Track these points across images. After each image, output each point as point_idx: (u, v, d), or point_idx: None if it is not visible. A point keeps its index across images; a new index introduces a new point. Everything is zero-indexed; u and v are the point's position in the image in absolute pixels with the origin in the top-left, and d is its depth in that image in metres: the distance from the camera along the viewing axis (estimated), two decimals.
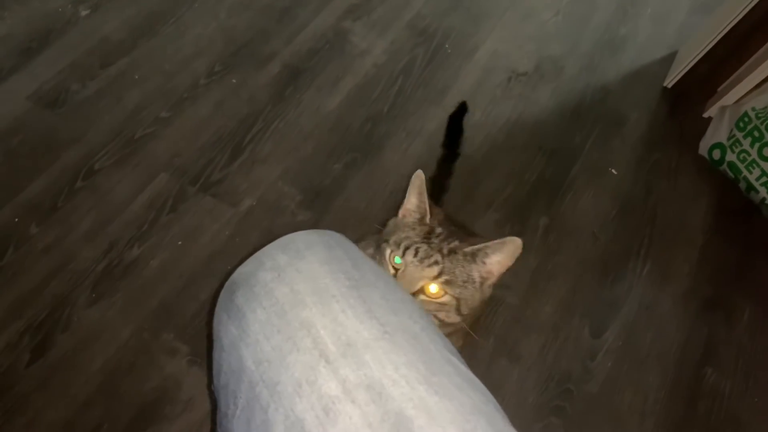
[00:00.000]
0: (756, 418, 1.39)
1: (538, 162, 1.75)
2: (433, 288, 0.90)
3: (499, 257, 0.90)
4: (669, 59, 2.01)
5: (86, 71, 1.75)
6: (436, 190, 1.40)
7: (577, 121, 1.85)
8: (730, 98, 1.76)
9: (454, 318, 0.94)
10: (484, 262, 0.91)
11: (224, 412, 0.65)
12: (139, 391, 1.27)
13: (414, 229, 0.94)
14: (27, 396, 1.25)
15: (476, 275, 0.92)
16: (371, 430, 0.51)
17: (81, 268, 1.42)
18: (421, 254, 0.90)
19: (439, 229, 0.94)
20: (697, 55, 1.83)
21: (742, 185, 1.69)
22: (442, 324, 0.95)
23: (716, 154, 1.73)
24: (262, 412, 0.56)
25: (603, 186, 1.73)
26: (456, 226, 0.98)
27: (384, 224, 1.05)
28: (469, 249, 0.91)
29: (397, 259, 0.92)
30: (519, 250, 0.88)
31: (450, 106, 1.82)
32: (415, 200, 0.96)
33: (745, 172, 1.65)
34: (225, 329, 0.66)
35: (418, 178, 0.94)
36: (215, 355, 0.68)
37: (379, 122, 1.76)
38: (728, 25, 1.71)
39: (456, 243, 0.92)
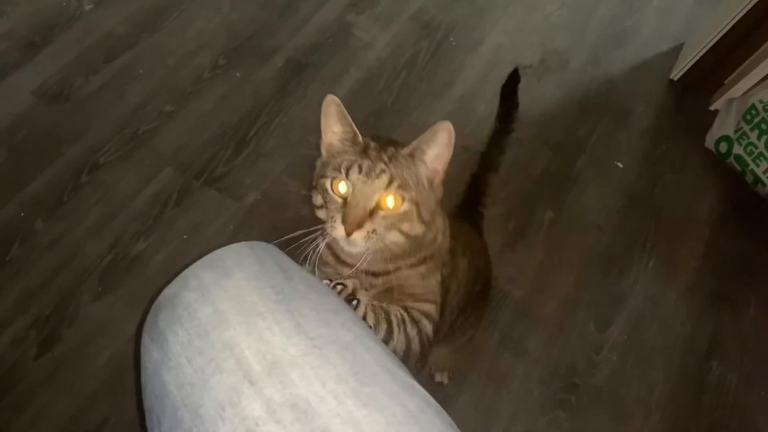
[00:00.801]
0: (762, 411, 1.39)
1: (543, 155, 1.74)
2: (390, 200, 0.85)
3: (435, 149, 0.87)
4: (675, 52, 1.99)
5: (90, 66, 1.75)
6: (484, 169, 1.34)
7: (583, 114, 1.84)
8: (737, 90, 1.75)
9: (418, 228, 0.88)
10: (423, 161, 0.88)
11: None
12: None
13: (347, 151, 0.88)
14: (33, 390, 1.25)
15: (423, 176, 0.88)
16: None
17: (86, 262, 1.42)
18: (365, 168, 0.85)
19: (372, 144, 0.88)
20: (704, 47, 1.81)
21: (749, 178, 1.68)
22: (409, 240, 0.89)
23: (723, 147, 1.72)
24: None
25: (608, 179, 1.72)
26: (385, 139, 0.94)
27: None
28: (405, 150, 0.87)
29: (342, 187, 0.86)
30: (452, 135, 0.84)
31: (454, 99, 1.81)
32: (338, 127, 0.90)
33: (752, 165, 1.64)
34: (148, 353, 0.65)
35: (333, 104, 0.88)
36: (141, 378, 0.67)
37: (383, 116, 1.75)
38: (735, 16, 1.70)
39: (392, 149, 0.88)
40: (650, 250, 1.60)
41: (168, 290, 0.68)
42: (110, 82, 1.73)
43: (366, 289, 0.92)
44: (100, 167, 1.56)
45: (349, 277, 0.90)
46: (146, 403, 0.64)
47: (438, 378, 1.36)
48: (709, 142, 1.76)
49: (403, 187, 0.85)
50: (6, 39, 1.78)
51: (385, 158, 0.86)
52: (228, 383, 0.55)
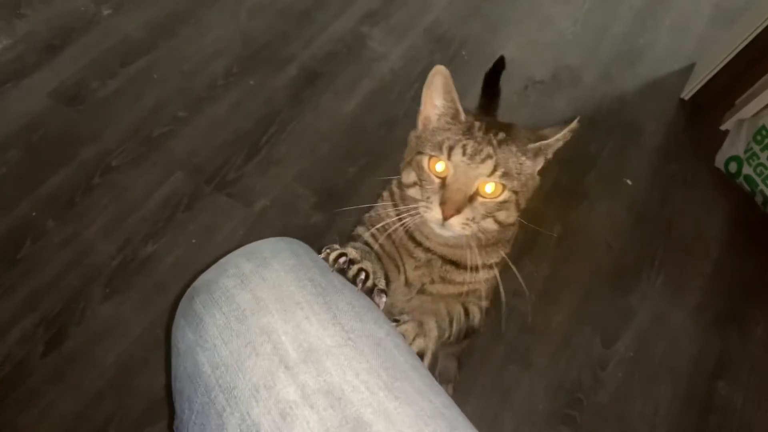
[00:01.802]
0: None
1: (552, 170, 1.73)
2: (490, 187, 0.80)
3: (560, 144, 0.83)
4: (687, 71, 2.00)
5: (107, 69, 1.77)
6: None
7: (593, 130, 1.85)
8: (747, 111, 1.75)
9: (513, 215, 0.84)
10: (547, 156, 0.85)
11: (180, 418, 0.65)
12: (151, 385, 1.28)
13: (449, 129, 0.83)
14: (40, 387, 1.26)
15: (530, 165, 0.83)
16: None
17: (96, 263, 1.43)
18: (470, 150, 0.79)
19: (477, 123, 0.83)
20: (716, 67, 1.82)
21: (759, 199, 1.67)
22: (501, 228, 0.85)
23: (733, 167, 1.72)
24: (217, 416, 0.56)
25: (618, 196, 1.72)
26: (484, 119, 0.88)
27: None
28: (532, 146, 0.82)
29: (440, 166, 0.81)
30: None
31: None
32: (440, 101, 0.84)
33: (762, 186, 1.64)
34: (182, 334, 0.66)
35: (440, 75, 0.83)
36: (172, 360, 0.68)
37: (395, 127, 1.76)
38: (747, 38, 1.70)
39: (502, 135, 0.82)
40: (658, 267, 1.60)
41: (205, 276, 0.70)
42: (126, 86, 1.75)
43: (432, 282, 0.91)
44: (112, 169, 1.58)
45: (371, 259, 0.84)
46: (177, 385, 0.66)
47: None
48: (719, 161, 1.77)
49: (507, 175, 0.80)
50: (25, 41, 1.81)
51: (494, 142, 0.81)
52: (264, 366, 0.56)
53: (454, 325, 0.87)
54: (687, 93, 1.92)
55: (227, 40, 1.89)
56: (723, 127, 1.85)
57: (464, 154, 0.79)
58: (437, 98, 0.84)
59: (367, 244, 0.92)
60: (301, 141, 1.70)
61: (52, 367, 1.29)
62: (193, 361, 0.62)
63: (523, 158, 0.82)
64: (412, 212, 0.83)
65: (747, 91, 1.80)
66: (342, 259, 0.74)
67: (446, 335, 0.84)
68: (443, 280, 0.91)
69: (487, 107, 1.40)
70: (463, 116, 0.83)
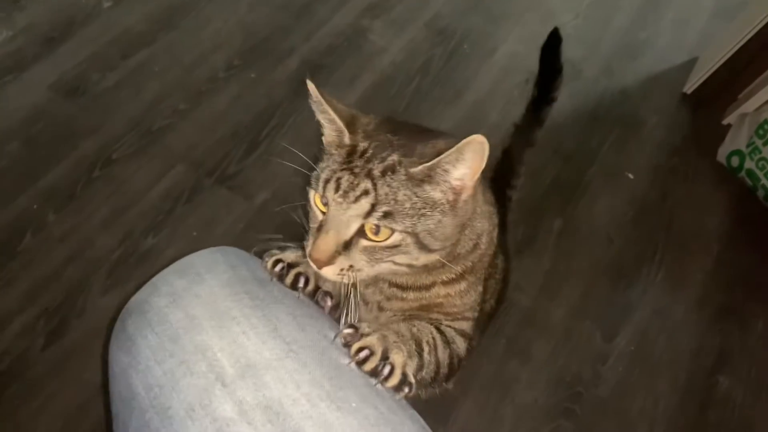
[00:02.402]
0: None
1: (553, 164, 1.74)
2: (374, 228, 0.65)
3: (463, 169, 0.65)
4: (689, 65, 1.99)
5: (107, 62, 1.77)
6: (517, 143, 1.14)
7: (595, 124, 1.84)
8: (750, 105, 1.74)
9: (423, 258, 0.68)
10: (444, 181, 0.66)
11: None
12: None
13: (332, 155, 0.69)
14: (41, 379, 1.26)
15: (439, 196, 0.66)
16: None
17: (97, 255, 1.43)
18: (344, 185, 0.65)
19: (363, 144, 0.68)
20: (718, 61, 1.81)
21: (761, 193, 1.67)
22: (413, 268, 0.70)
23: (735, 161, 1.71)
24: None
25: (619, 190, 1.72)
26: (396, 131, 0.71)
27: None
28: (417, 169, 0.65)
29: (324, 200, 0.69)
30: (485, 150, 0.63)
31: (466, 106, 1.82)
32: (324, 121, 0.72)
33: (764, 180, 1.63)
34: (115, 357, 0.64)
35: (310, 87, 0.71)
36: (109, 384, 0.66)
37: None
38: (750, 32, 1.70)
39: (394, 157, 0.66)
40: (659, 262, 1.60)
41: (137, 297, 0.68)
42: (126, 79, 1.75)
43: (387, 299, 0.79)
44: (113, 162, 1.58)
45: (301, 263, 0.72)
46: (113, 408, 0.64)
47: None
48: (721, 156, 1.76)
49: (392, 215, 0.64)
50: (25, 33, 1.80)
51: (376, 172, 0.65)
52: (199, 385, 0.55)
53: (426, 348, 0.72)
54: (689, 87, 1.91)
55: (227, 33, 1.89)
56: (725, 122, 1.84)
57: (337, 189, 0.65)
58: (321, 119, 0.72)
59: None
60: (301, 135, 1.69)
61: (53, 360, 1.29)
62: (126, 383, 0.60)
63: (430, 188, 0.66)
64: None
65: (749, 86, 1.79)
66: (279, 266, 0.68)
67: (428, 362, 0.72)
68: (396, 297, 0.79)
69: (548, 87, 1.22)
70: (347, 138, 0.69)
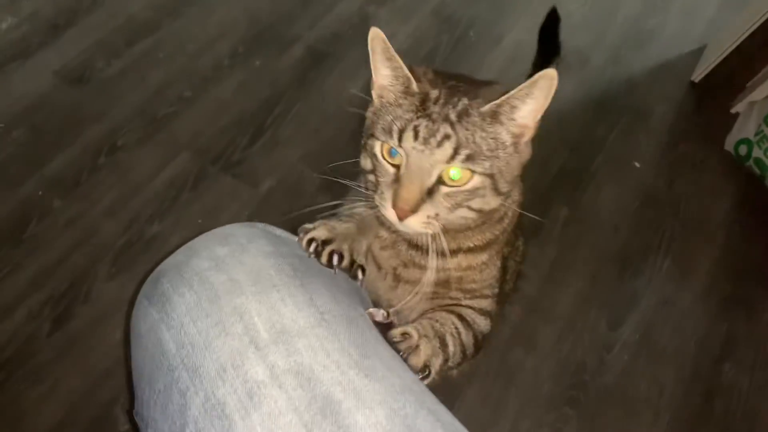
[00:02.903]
0: None
1: (560, 153, 1.73)
2: (455, 173, 0.67)
3: (531, 105, 0.67)
4: (697, 53, 1.97)
5: (112, 49, 1.77)
6: None
7: (601, 113, 1.83)
8: (758, 94, 1.73)
9: (494, 201, 0.70)
10: (511, 119, 0.68)
11: (140, 399, 0.64)
12: None
13: (401, 105, 0.69)
14: (47, 365, 1.27)
15: (506, 136, 0.68)
16: (297, 414, 0.51)
17: (102, 242, 1.43)
18: (423, 132, 0.66)
19: (434, 93, 0.69)
20: (726, 49, 1.79)
21: None
22: (480, 216, 0.72)
23: (742, 150, 1.70)
24: (179, 396, 0.56)
25: (625, 179, 1.71)
26: (453, 80, 0.72)
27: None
28: (486, 108, 0.67)
29: (394, 152, 0.68)
30: (555, 84, 0.65)
31: None
32: (386, 70, 0.70)
33: None
34: (144, 314, 0.65)
35: (376, 39, 0.69)
36: (132, 343, 0.66)
37: None
38: (759, 20, 1.68)
39: (465, 101, 0.68)
40: (666, 250, 1.59)
41: (172, 259, 0.69)
42: (131, 66, 1.75)
43: (404, 265, 0.80)
44: (118, 149, 1.58)
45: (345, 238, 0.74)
46: (137, 367, 0.65)
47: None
48: (729, 144, 1.75)
49: (473, 157, 0.66)
50: (30, 21, 1.80)
51: (452, 116, 0.66)
52: (233, 346, 0.56)
53: (450, 340, 0.75)
54: (697, 76, 1.90)
55: (232, 21, 1.88)
56: (733, 110, 1.83)
57: (416, 137, 0.66)
58: (382, 67, 0.71)
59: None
60: (306, 122, 1.69)
61: (59, 346, 1.30)
62: (156, 339, 0.61)
63: (500, 129, 0.68)
64: (373, 201, 0.72)
65: (758, 74, 1.77)
66: (313, 245, 0.69)
67: (452, 354, 0.74)
68: (414, 264, 0.80)
69: (544, 67, 1.24)
70: (415, 86, 0.69)
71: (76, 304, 1.34)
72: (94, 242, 1.43)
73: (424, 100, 0.68)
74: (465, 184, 0.67)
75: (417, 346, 0.67)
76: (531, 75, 1.08)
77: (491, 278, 0.82)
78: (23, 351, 1.29)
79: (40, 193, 1.48)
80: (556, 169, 1.70)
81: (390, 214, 0.68)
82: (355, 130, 1.75)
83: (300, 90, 1.74)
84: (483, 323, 0.82)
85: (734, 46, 1.77)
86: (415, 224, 0.68)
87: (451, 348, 0.74)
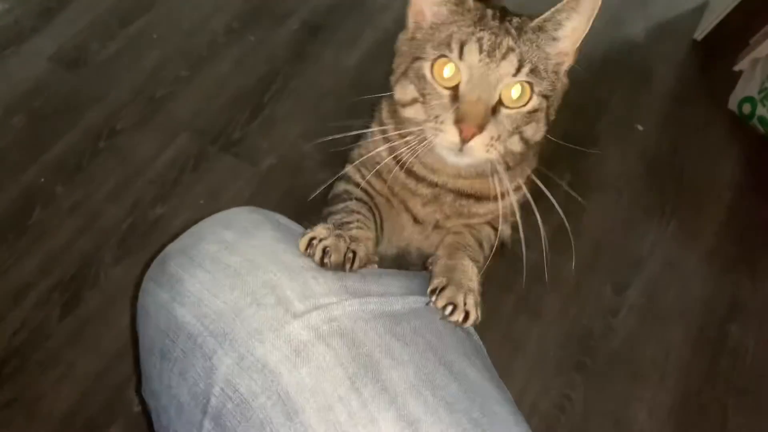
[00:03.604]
0: None
1: (563, 117, 1.70)
2: (515, 92, 0.65)
3: (574, 21, 0.67)
4: (699, 11, 1.94)
5: (106, 31, 1.75)
6: None
7: (603, 75, 1.80)
8: (762, 50, 1.70)
9: (541, 131, 0.72)
10: (555, 37, 0.68)
11: (149, 375, 0.65)
12: None
13: (455, 21, 0.66)
14: (59, 350, 1.28)
15: (552, 59, 0.69)
16: (343, 368, 0.53)
17: (107, 226, 1.44)
18: (486, 44, 0.64)
19: (489, 11, 0.67)
20: (729, 6, 1.76)
21: None
22: (527, 148, 0.72)
23: (746, 109, 1.68)
24: (204, 359, 0.57)
25: (629, 142, 1.69)
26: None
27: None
28: (535, 23, 0.67)
29: (448, 71, 0.65)
30: (599, 3, 0.66)
31: None
32: None
33: None
34: (152, 296, 0.65)
35: None
36: (139, 324, 0.67)
37: None
38: None
39: (517, 19, 0.67)
40: (670, 213, 1.58)
41: (177, 243, 0.68)
42: (126, 47, 1.73)
43: (447, 217, 0.79)
44: (117, 133, 1.57)
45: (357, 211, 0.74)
46: (145, 345, 0.66)
47: None
48: (732, 103, 1.73)
49: (535, 72, 0.65)
50: (22, 5, 1.78)
51: (513, 31, 0.65)
52: (267, 315, 0.57)
53: (486, 248, 0.78)
54: (699, 34, 1.86)
55: None
56: (737, 68, 1.80)
57: (480, 50, 0.63)
58: None
59: (361, 189, 0.80)
60: (305, 97, 1.68)
61: (70, 330, 1.31)
62: (168, 315, 0.61)
63: (547, 48, 0.67)
64: (414, 141, 0.68)
65: (761, 30, 1.74)
66: (317, 256, 0.62)
67: (482, 262, 0.76)
68: (460, 215, 0.78)
69: None
70: (471, 1, 0.67)
71: (85, 288, 1.35)
72: (98, 227, 1.44)
73: (482, 16, 0.66)
74: (525, 104, 0.66)
75: (466, 311, 0.64)
76: None
77: (520, 203, 0.82)
78: (35, 337, 1.30)
79: (43, 179, 1.48)
80: (559, 134, 1.67)
81: (451, 134, 0.64)
82: (355, 102, 1.74)
83: (297, 65, 1.73)
84: (508, 231, 0.84)
85: (736, 3, 1.74)
86: (479, 147, 0.65)
87: (486, 249, 0.78)
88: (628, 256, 1.51)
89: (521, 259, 1.45)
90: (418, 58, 0.67)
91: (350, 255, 0.63)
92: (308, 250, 0.62)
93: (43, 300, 1.34)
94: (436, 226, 0.81)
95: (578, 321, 1.41)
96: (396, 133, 0.71)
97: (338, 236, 0.64)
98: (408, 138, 0.69)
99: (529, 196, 0.80)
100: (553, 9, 0.66)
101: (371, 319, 0.58)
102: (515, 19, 0.67)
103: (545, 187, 1.50)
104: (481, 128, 0.64)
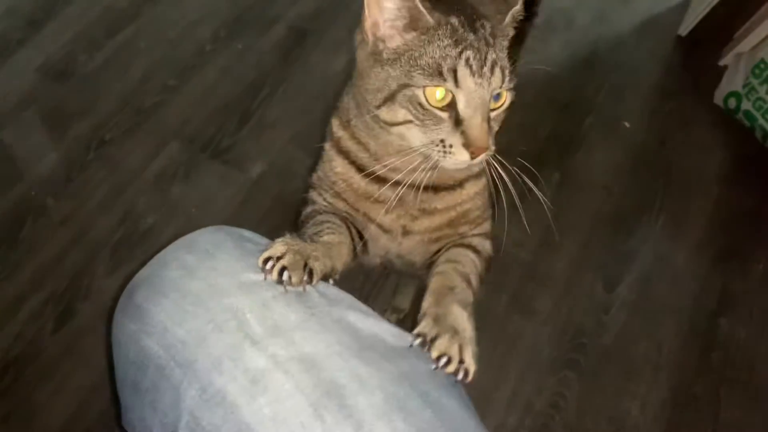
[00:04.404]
0: None
1: (549, 116, 1.72)
2: (497, 97, 0.68)
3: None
4: (683, 7, 1.95)
5: (92, 41, 1.75)
6: None
7: (589, 73, 1.82)
8: (746, 45, 1.71)
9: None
10: (510, 33, 0.71)
11: (125, 405, 0.65)
12: None
13: (431, 42, 0.65)
14: (54, 362, 1.29)
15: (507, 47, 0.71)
16: (304, 396, 0.52)
17: (98, 238, 1.44)
18: (475, 65, 0.65)
19: (454, 20, 0.67)
20: (712, 1, 1.77)
21: (758, 133, 1.65)
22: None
23: (732, 103, 1.69)
24: (172, 390, 0.56)
25: (616, 139, 1.70)
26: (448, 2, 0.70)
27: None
28: (503, 25, 0.70)
29: (439, 93, 0.65)
30: None
31: None
32: (389, 2, 0.65)
33: (761, 120, 1.62)
34: (122, 327, 0.65)
35: None
36: (114, 355, 0.67)
37: None
38: None
39: (486, 24, 0.68)
40: (659, 209, 1.59)
41: (144, 272, 0.68)
42: (113, 57, 1.73)
43: (414, 218, 0.80)
44: (106, 143, 1.57)
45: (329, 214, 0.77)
46: (119, 376, 0.66)
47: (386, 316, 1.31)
48: (718, 98, 1.74)
49: (511, 74, 0.68)
50: (8, 17, 1.78)
51: (490, 40, 0.66)
52: (228, 341, 0.56)
53: (474, 282, 0.77)
54: (684, 29, 1.88)
55: (212, 4, 1.86)
56: (722, 63, 1.81)
57: (472, 72, 0.64)
58: (375, 6, 0.66)
59: (324, 210, 0.82)
60: (293, 102, 1.68)
61: (64, 343, 1.31)
62: (137, 347, 0.61)
63: (506, 42, 0.70)
64: (417, 161, 0.69)
65: (745, 24, 1.76)
66: (274, 276, 0.61)
67: (473, 298, 0.74)
68: (424, 212, 0.80)
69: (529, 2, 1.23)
70: (428, 18, 0.65)
71: (77, 301, 1.36)
72: (90, 238, 1.44)
73: (454, 31, 0.66)
74: (504, 102, 0.69)
75: (465, 368, 0.62)
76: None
77: (487, 199, 0.84)
78: (29, 350, 1.30)
79: (33, 192, 1.48)
80: (546, 133, 1.70)
81: (463, 155, 0.67)
82: None
83: (284, 70, 1.73)
84: (489, 247, 0.84)
85: None
86: (484, 157, 0.68)
87: (474, 284, 0.76)
88: (618, 252, 1.52)
89: (513, 258, 1.47)
90: (406, 86, 0.66)
91: (307, 271, 0.62)
92: (266, 269, 0.61)
93: (36, 313, 1.34)
94: (405, 232, 0.82)
95: (571, 319, 1.42)
96: (366, 157, 0.75)
97: (296, 252, 0.63)
98: (408, 158, 0.70)
99: (491, 185, 0.81)
100: (512, 11, 0.68)
101: (333, 342, 0.57)
102: (486, 25, 0.67)
103: (535, 185, 1.52)
104: (489, 146, 0.67)
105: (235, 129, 1.62)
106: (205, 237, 0.69)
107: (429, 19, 0.65)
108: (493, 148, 0.68)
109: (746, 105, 1.64)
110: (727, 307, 1.46)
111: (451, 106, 0.66)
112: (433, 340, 0.62)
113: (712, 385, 1.36)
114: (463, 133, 0.66)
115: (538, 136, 1.68)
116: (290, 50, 1.78)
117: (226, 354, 0.55)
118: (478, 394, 1.28)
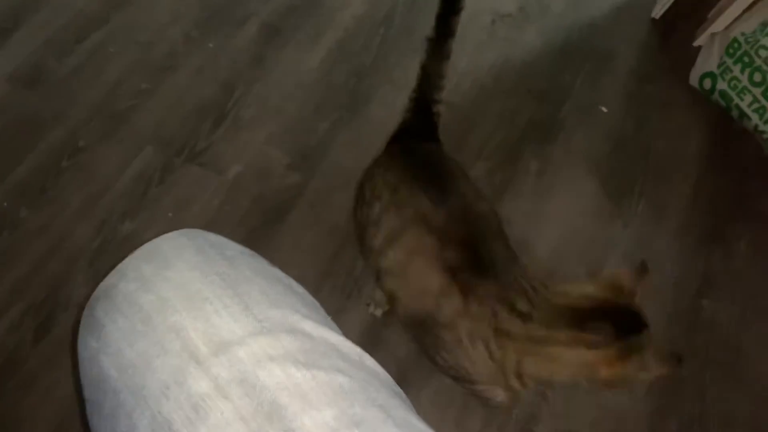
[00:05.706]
0: (756, 346, 1.40)
1: (527, 105, 1.72)
2: None
3: None
4: None
5: (62, 48, 1.72)
6: (435, 57, 1.21)
7: (566, 59, 1.82)
8: (719, 24, 1.72)
9: None
10: None
11: (90, 425, 0.63)
12: None
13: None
14: (37, 373, 1.27)
15: None
16: (244, 423, 0.51)
17: (76, 246, 1.42)
18: None
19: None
20: None
21: (735, 113, 1.66)
22: None
23: (707, 84, 1.70)
24: (126, 417, 0.55)
25: (594, 124, 1.70)
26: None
27: None
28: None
29: None
30: None
31: None
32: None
33: (737, 100, 1.62)
34: (84, 344, 0.64)
35: None
36: (80, 371, 0.65)
37: (364, 76, 1.73)
38: None
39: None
40: (639, 193, 1.60)
41: (104, 283, 0.67)
42: (84, 63, 1.71)
43: None
44: (80, 150, 1.55)
45: None
46: (85, 393, 0.64)
47: (371, 310, 1.37)
48: (693, 79, 1.74)
49: None
50: None
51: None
52: (173, 364, 0.55)
53: None
54: (657, 12, 1.88)
55: (183, 4, 1.83)
56: (696, 44, 1.82)
57: None
58: None
59: None
60: (268, 102, 1.67)
61: (46, 354, 1.30)
62: (97, 368, 0.60)
63: None
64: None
65: (718, 4, 1.76)
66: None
67: None
68: None
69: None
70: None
71: (58, 310, 1.34)
72: (68, 247, 1.42)
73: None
74: None
75: None
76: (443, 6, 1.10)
77: None
78: (11, 362, 1.29)
79: (6, 203, 1.46)
80: (524, 121, 1.69)
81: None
82: (319, 104, 1.73)
83: (258, 69, 1.72)
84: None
85: None
86: None
87: None
88: (599, 239, 1.52)
89: None
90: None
91: None
92: None
93: (16, 325, 1.32)
94: None
95: None
96: None
97: None
98: None
99: None
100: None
101: (278, 356, 0.55)
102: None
103: (515, 175, 1.52)
104: None
105: (210, 130, 1.60)
106: (170, 243, 0.67)
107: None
108: None
109: (722, 85, 1.65)
110: (709, 288, 1.47)
111: None
112: None
113: (696, 367, 1.36)
114: None
115: (515, 124, 1.68)
116: (263, 48, 1.76)
117: (173, 378, 0.54)
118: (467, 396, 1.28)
